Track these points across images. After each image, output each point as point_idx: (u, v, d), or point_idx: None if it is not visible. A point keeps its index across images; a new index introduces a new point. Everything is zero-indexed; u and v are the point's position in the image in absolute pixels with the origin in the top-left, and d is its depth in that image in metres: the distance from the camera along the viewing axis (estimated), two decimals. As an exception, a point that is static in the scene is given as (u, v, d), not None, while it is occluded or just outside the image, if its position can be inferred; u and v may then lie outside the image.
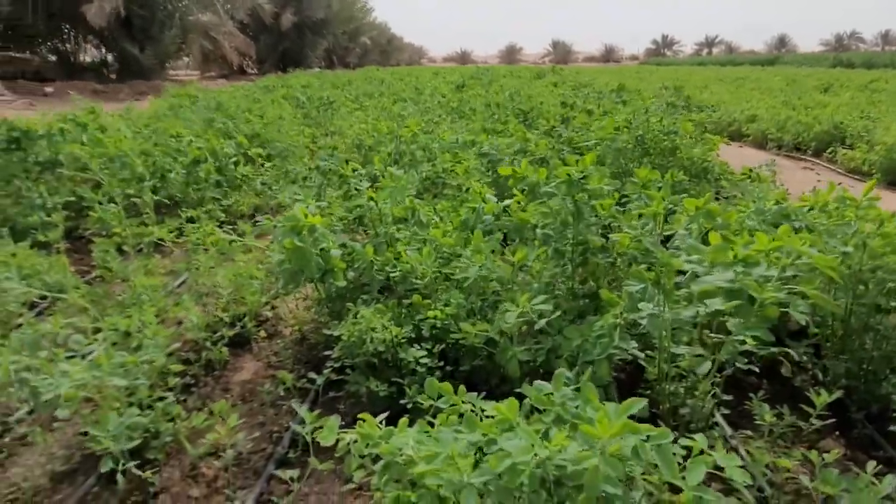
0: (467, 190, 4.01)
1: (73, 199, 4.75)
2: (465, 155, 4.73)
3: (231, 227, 4.56)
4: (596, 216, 2.57)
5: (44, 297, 3.48)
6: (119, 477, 2.13)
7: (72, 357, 2.35)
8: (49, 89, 17.77)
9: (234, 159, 5.66)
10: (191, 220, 4.32)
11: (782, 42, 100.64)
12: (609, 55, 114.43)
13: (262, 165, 6.33)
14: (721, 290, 1.84)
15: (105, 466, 2.09)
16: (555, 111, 6.90)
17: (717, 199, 3.65)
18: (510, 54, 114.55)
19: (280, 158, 6.32)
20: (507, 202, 2.94)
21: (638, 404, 1.36)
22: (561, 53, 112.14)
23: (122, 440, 2.08)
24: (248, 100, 9.87)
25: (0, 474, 2.41)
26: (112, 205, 4.46)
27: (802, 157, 9.27)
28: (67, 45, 20.91)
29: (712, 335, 2.30)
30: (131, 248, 4.31)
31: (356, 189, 3.19)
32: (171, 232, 4.18)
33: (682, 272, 2.07)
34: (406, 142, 5.55)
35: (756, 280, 1.84)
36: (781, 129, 9.72)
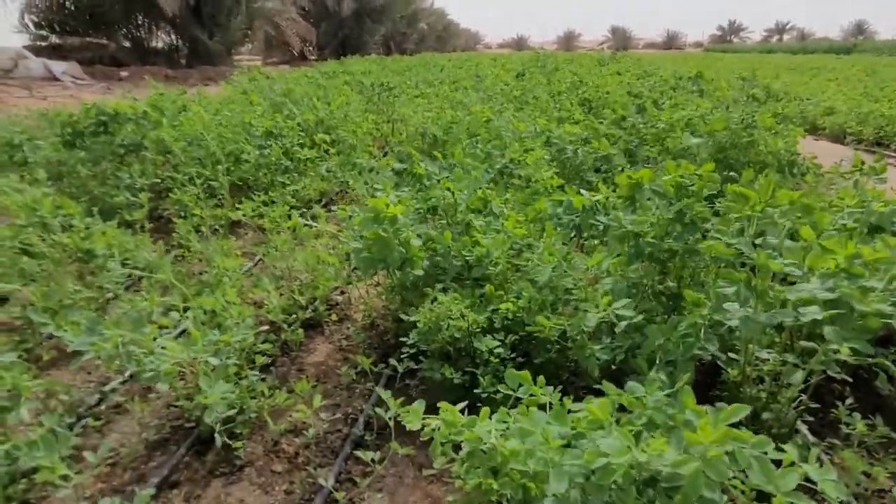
0: (535, 181, 3.99)
1: (157, 180, 4.98)
2: (532, 143, 4.69)
3: (301, 211, 4.69)
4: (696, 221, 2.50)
5: (130, 275, 3.69)
6: (216, 438, 2.24)
7: (167, 333, 2.49)
8: (124, 73, 18.61)
9: (300, 142, 5.81)
10: (264, 204, 4.46)
11: (860, 29, 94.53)
12: (671, 42, 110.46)
13: (327, 152, 6.46)
14: (820, 299, 1.78)
15: (205, 424, 2.22)
16: (622, 100, 6.73)
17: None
18: (568, 41, 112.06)
19: (345, 145, 6.43)
20: (596, 197, 2.88)
21: (741, 411, 1.33)
22: (620, 40, 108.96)
23: (217, 409, 2.20)
24: (312, 85, 10.06)
25: (99, 440, 2.58)
26: (192, 186, 4.66)
27: (887, 152, 8.73)
28: (141, 31, 21.80)
29: (802, 342, 2.22)
30: (208, 229, 4.50)
31: (429, 181, 3.22)
32: (245, 215, 4.34)
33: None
34: (478, 129, 5.56)
35: (859, 290, 1.77)
36: (862, 122, 9.17)
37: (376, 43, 37.21)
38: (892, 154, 8.67)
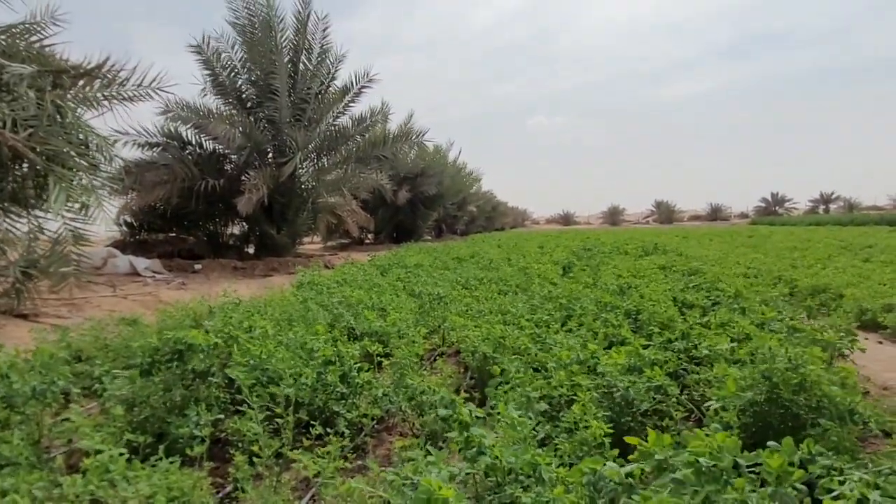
0: (582, 427, 4.01)
1: (221, 416, 5.25)
2: (580, 378, 4.78)
3: (354, 451, 4.76)
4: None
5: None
6: None
7: None
8: (198, 266, 20.35)
9: (357, 365, 6.07)
10: (320, 439, 4.57)
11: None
12: (716, 213, 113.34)
13: (380, 365, 6.70)
14: None
15: None
16: (668, 312, 6.88)
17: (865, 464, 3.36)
18: (613, 215, 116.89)
19: (397, 364, 6.68)
20: (629, 468, 2.90)
21: None
22: (665, 213, 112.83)
23: None
24: (366, 287, 10.69)
25: None
26: (251, 424, 4.89)
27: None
28: (217, 226, 24.25)
29: None
30: (263, 466, 4.62)
31: (478, 441, 3.31)
32: (311, 474, 4.43)
33: None
34: (524, 347, 5.73)
35: None
36: None
37: (428, 227, 39.83)
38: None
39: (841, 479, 2.78)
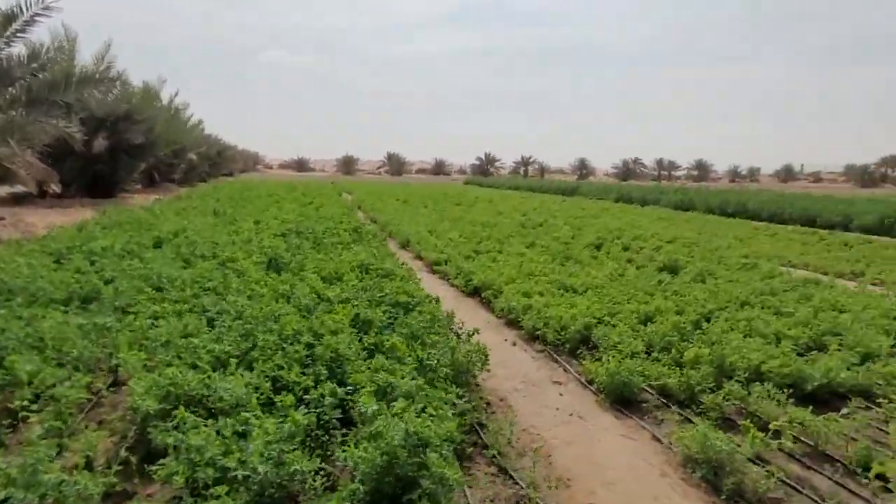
0: None
1: None
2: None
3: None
4: None
5: None
6: None
7: None
8: None
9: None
10: None
11: (583, 165, 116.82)
12: (440, 168, 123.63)
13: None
14: None
15: None
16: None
17: None
18: (347, 165, 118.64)
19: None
20: None
21: None
22: (396, 165, 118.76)
23: None
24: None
25: None
26: None
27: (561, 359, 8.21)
28: None
29: None
30: None
31: None
32: None
33: None
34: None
35: None
36: (547, 324, 8.93)
37: (134, 180, 35.15)
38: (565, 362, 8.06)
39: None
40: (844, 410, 6.21)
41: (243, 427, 5.08)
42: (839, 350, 7.80)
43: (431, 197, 39.10)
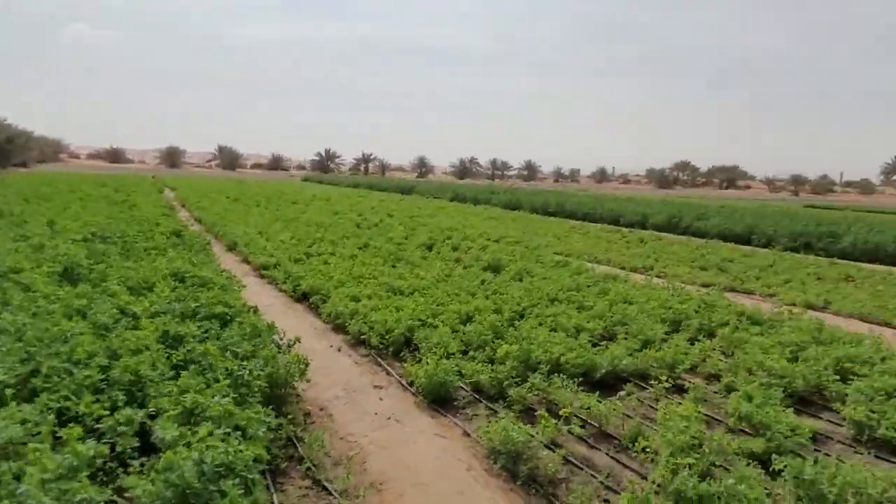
0: None
1: None
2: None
3: None
4: None
5: None
6: None
7: None
8: None
9: None
10: None
11: (423, 163, 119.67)
12: (277, 163, 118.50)
13: None
14: None
15: None
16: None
17: None
18: (172, 157, 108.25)
19: None
20: None
21: None
22: (228, 158, 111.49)
23: None
24: None
25: None
26: None
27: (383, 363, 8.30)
28: None
29: None
30: None
31: None
32: None
33: None
34: None
35: None
36: (372, 328, 8.97)
37: None
38: (386, 365, 9.14)
39: None
40: (621, 393, 7.16)
41: (21, 468, 4.51)
42: (625, 339, 8.94)
43: (265, 195, 37.48)
